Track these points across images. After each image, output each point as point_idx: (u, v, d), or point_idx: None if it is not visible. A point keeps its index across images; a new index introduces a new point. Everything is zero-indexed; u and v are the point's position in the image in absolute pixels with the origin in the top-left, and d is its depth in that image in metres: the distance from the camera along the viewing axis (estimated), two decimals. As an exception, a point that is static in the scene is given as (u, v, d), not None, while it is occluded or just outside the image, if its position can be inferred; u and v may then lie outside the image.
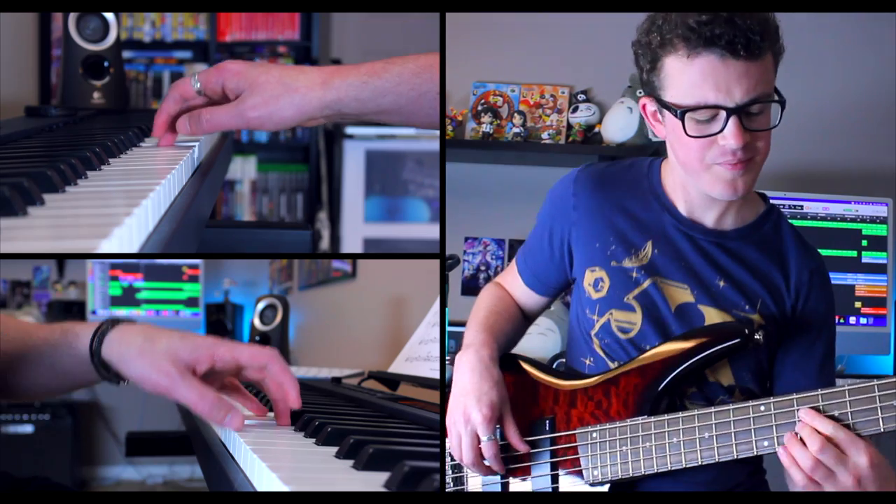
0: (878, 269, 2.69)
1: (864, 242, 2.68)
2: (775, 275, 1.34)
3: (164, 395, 1.04)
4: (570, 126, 2.97)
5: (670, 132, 1.26)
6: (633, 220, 1.36)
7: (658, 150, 2.89)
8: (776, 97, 1.21)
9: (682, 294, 1.33)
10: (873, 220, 2.68)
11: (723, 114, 1.18)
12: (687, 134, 1.20)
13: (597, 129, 2.94)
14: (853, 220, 2.67)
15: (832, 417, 1.14)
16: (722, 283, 1.33)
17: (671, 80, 1.21)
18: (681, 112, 1.20)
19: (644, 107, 1.29)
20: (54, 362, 1.09)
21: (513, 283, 1.52)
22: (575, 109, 2.96)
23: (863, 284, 2.68)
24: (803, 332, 1.35)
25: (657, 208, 1.36)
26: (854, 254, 2.67)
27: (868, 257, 2.68)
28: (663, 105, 1.23)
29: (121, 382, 1.09)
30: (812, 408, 1.15)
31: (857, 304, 2.67)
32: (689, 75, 1.18)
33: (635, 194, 1.38)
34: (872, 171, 3.00)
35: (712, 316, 1.32)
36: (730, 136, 1.18)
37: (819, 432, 1.13)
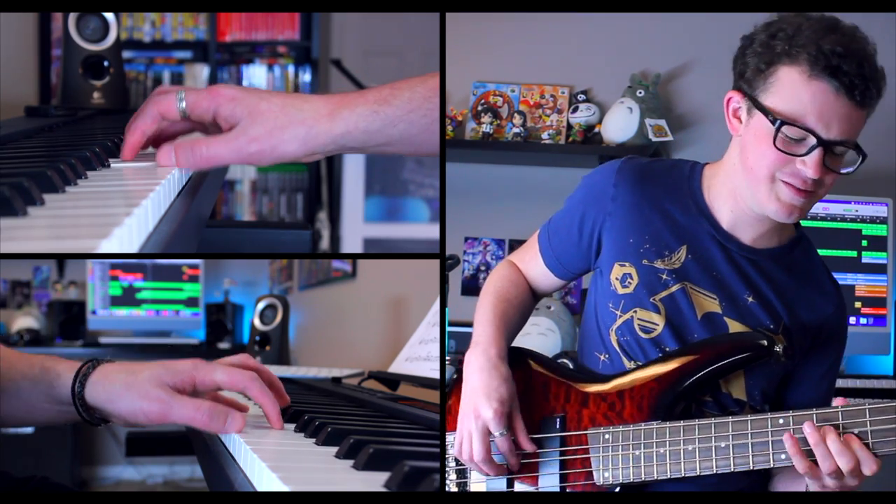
0: (878, 269, 2.69)
1: (864, 242, 2.68)
2: (800, 301, 1.35)
3: (158, 422, 1.02)
4: (570, 126, 2.97)
5: (751, 135, 1.26)
6: (670, 222, 1.35)
7: (658, 151, 2.89)
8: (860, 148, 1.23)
9: (710, 303, 1.33)
10: (873, 220, 2.68)
11: (811, 140, 1.20)
12: (775, 145, 1.21)
13: (597, 129, 2.94)
14: (853, 220, 2.67)
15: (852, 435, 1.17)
16: (750, 299, 1.33)
17: (779, 88, 1.21)
18: (780, 122, 1.20)
19: (729, 100, 1.29)
20: (31, 398, 1.06)
21: (531, 263, 1.50)
22: (575, 109, 2.96)
23: (863, 284, 2.68)
24: (821, 358, 1.38)
25: (696, 214, 1.35)
26: (854, 254, 2.67)
27: (868, 257, 2.68)
28: (758, 107, 1.23)
29: (101, 424, 1.07)
30: (834, 425, 1.17)
31: (857, 304, 2.68)
32: (800, 93, 1.19)
33: (676, 196, 1.37)
34: (872, 171, 2.99)
35: (737, 329, 1.32)
36: (810, 164, 1.20)
37: (857, 458, 1.16)
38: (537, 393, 1.36)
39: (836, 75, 1.17)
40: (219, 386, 1.08)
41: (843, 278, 2.65)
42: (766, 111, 1.22)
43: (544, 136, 2.94)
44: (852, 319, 2.67)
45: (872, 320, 2.69)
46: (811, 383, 1.38)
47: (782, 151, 1.21)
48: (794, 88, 1.20)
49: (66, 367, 1.06)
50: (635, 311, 1.34)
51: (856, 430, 1.16)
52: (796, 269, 1.37)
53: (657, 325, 1.33)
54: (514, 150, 2.92)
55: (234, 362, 1.11)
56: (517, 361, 1.37)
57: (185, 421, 1.02)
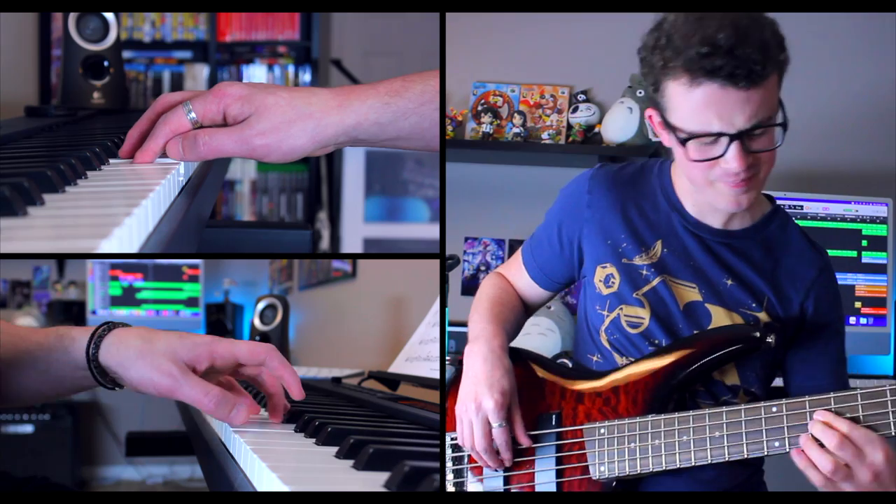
0: (878, 269, 2.69)
1: (864, 242, 2.68)
2: (781, 274, 1.36)
3: (166, 396, 1.02)
4: (570, 126, 2.97)
5: (675, 148, 1.26)
6: (644, 219, 1.38)
7: (658, 150, 2.89)
8: (780, 117, 1.21)
9: (690, 293, 1.34)
10: (873, 220, 2.68)
11: (725, 138, 1.18)
12: (690, 158, 1.21)
13: (597, 129, 2.94)
14: (853, 220, 2.67)
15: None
16: (729, 282, 1.34)
17: (674, 104, 1.21)
18: (682, 139, 1.21)
19: (650, 117, 1.29)
20: (48, 367, 1.06)
21: (516, 275, 1.52)
22: (575, 109, 2.96)
23: (863, 284, 2.68)
24: (816, 331, 1.36)
25: (667, 208, 1.37)
26: (854, 254, 2.67)
27: (868, 257, 2.68)
28: (667, 125, 1.23)
29: (116, 388, 1.07)
30: (826, 410, 1.17)
31: (857, 304, 2.67)
32: (691, 103, 1.18)
33: (646, 194, 1.39)
34: (872, 171, 3.00)
35: (719, 314, 1.33)
36: (731, 160, 1.19)
37: (835, 429, 1.14)
38: (533, 391, 1.37)
39: (713, 74, 1.15)
40: (238, 360, 1.08)
41: (843, 278, 2.65)
42: (673, 129, 1.22)
43: (544, 136, 2.94)
44: (852, 319, 2.67)
45: (872, 320, 2.68)
46: (812, 362, 1.37)
47: (702, 160, 1.21)
48: (684, 102, 1.19)
49: (81, 331, 1.06)
50: (621, 309, 1.36)
51: (847, 415, 1.16)
52: (774, 243, 1.37)
53: (643, 318, 1.35)
54: (514, 150, 2.92)
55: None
56: (514, 360, 1.38)
57: (192, 402, 1.01)
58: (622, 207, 1.38)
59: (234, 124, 1.16)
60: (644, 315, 1.35)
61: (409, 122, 1.17)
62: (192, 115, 1.16)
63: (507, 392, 1.30)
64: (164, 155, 1.18)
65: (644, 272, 1.35)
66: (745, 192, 1.24)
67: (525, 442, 1.32)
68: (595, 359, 1.39)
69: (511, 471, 1.35)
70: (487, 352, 1.34)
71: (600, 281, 1.38)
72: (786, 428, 1.20)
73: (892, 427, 1.14)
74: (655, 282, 1.35)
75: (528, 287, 1.51)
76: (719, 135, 1.18)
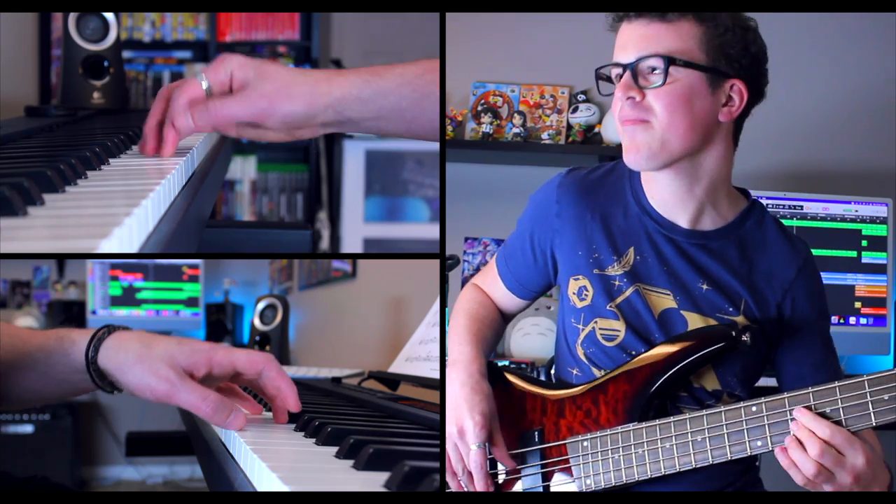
0: (878, 269, 2.69)
1: (864, 242, 2.68)
2: (758, 275, 1.34)
3: (163, 401, 1.02)
4: (570, 126, 2.97)
5: None
6: (615, 227, 1.36)
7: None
8: (680, 59, 1.25)
9: (664, 300, 1.33)
10: (873, 220, 2.68)
11: (620, 69, 1.28)
12: (599, 91, 1.31)
13: (597, 130, 2.94)
14: (853, 220, 2.67)
15: (823, 415, 1.16)
16: (705, 287, 1.32)
17: None
18: (595, 71, 1.32)
19: None
20: (48, 370, 1.06)
21: (493, 286, 1.51)
22: (575, 109, 2.96)
23: (863, 284, 2.68)
24: (799, 329, 1.35)
25: (638, 212, 1.35)
26: (854, 254, 2.67)
27: (868, 257, 2.68)
28: None
29: (115, 392, 1.07)
30: (806, 407, 1.16)
31: (857, 304, 2.68)
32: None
33: (617, 200, 1.37)
34: (872, 171, 2.99)
35: (695, 321, 1.31)
36: (618, 84, 1.27)
37: (817, 436, 1.14)
38: (514, 408, 1.37)
39: (624, 12, 1.30)
40: (236, 368, 1.08)
41: (843, 278, 2.65)
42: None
43: (544, 136, 2.94)
44: (852, 320, 2.67)
45: (872, 320, 2.68)
46: (799, 361, 1.36)
47: (605, 95, 1.31)
48: None
49: (81, 333, 1.07)
50: (596, 322, 1.35)
51: (828, 409, 1.16)
52: (750, 243, 1.35)
53: (619, 331, 1.33)
54: (514, 150, 2.92)
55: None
56: (493, 378, 1.37)
57: (190, 407, 1.01)
58: (592, 216, 1.37)
59: (237, 86, 1.23)
60: (619, 327, 1.33)
61: (389, 101, 1.25)
62: (206, 83, 1.22)
63: (486, 414, 1.30)
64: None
65: (617, 282, 1.34)
66: (635, 132, 1.26)
67: (509, 464, 1.32)
68: (574, 372, 1.38)
69: (498, 489, 1.34)
70: (466, 377, 1.33)
71: (573, 293, 1.37)
72: (767, 427, 1.19)
73: (873, 418, 1.14)
74: (629, 292, 1.33)
75: (505, 297, 1.50)
76: (616, 64, 1.28)
